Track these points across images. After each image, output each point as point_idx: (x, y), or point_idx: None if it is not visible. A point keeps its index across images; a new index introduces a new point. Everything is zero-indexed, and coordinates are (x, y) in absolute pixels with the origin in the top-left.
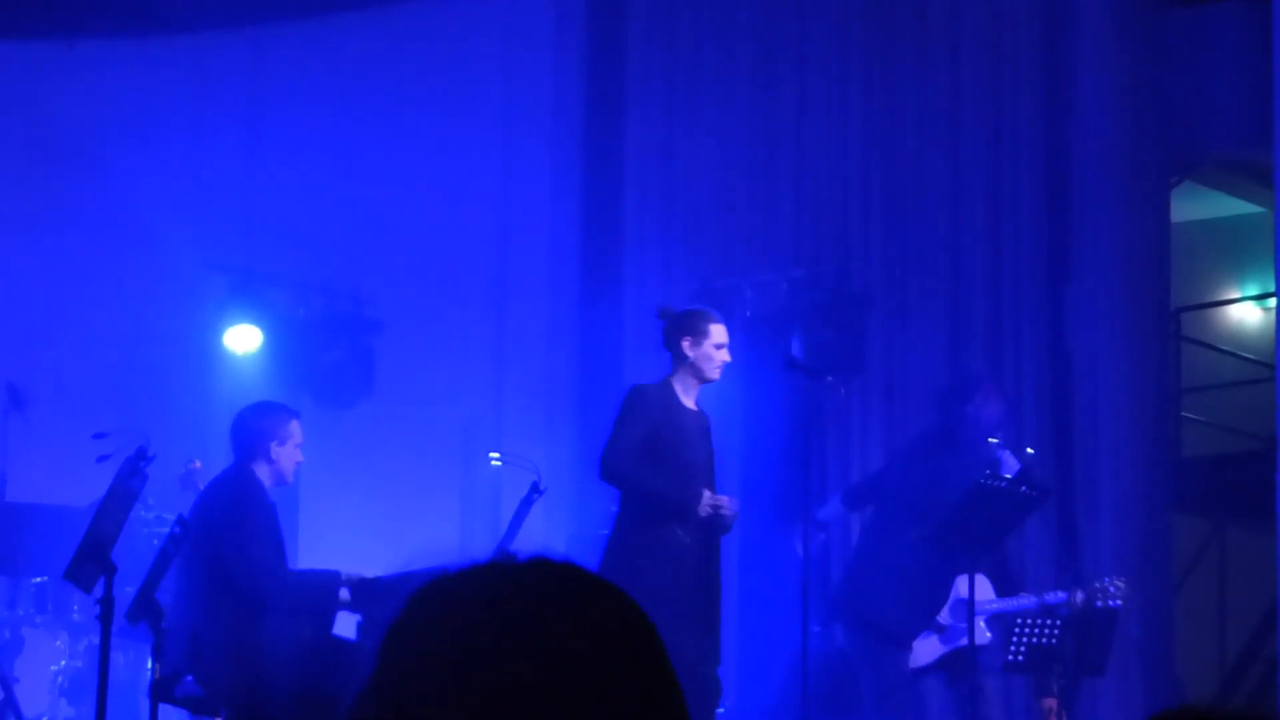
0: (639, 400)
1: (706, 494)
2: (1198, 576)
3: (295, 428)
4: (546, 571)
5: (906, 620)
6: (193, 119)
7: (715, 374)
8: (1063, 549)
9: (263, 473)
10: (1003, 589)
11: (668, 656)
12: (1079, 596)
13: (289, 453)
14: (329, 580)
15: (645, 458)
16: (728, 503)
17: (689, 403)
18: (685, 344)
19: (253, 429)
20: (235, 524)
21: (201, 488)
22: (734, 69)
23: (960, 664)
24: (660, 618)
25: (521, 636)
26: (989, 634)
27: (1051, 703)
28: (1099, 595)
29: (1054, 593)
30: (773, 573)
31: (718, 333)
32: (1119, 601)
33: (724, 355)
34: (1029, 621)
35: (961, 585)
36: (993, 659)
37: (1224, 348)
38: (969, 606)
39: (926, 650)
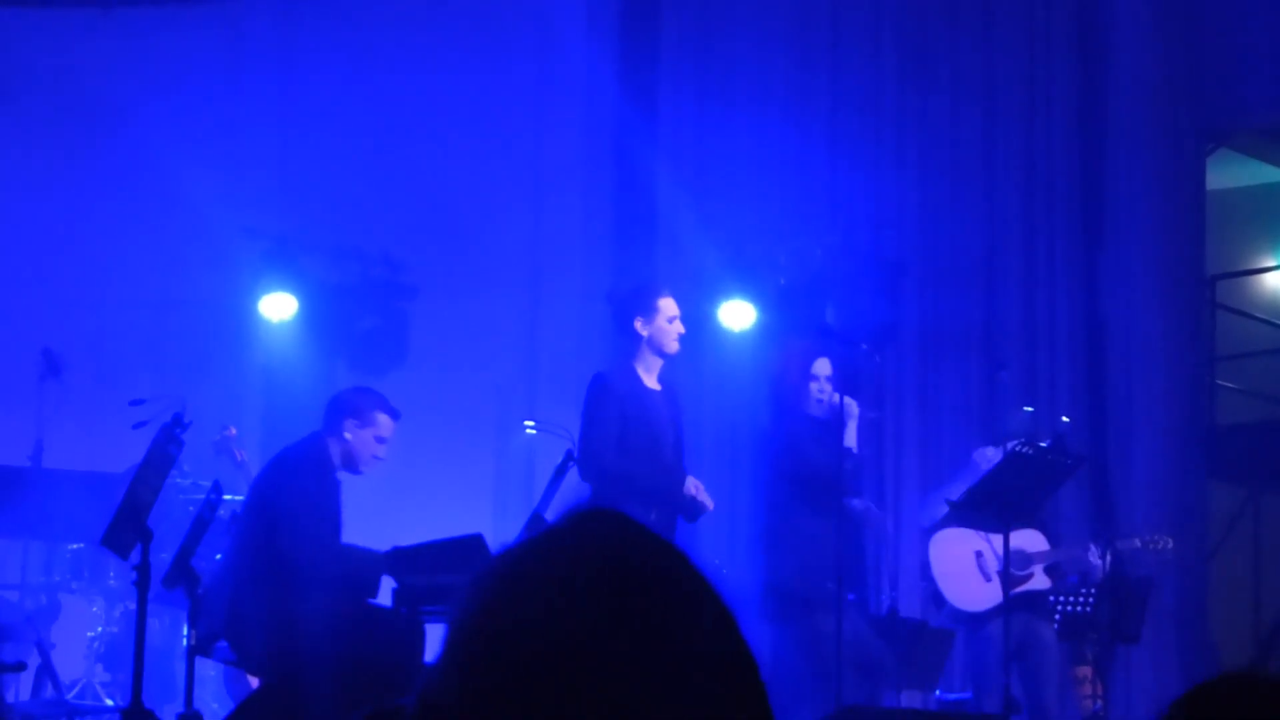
0: (602, 390)
1: (690, 479)
2: (1232, 544)
3: (383, 420)
4: (608, 535)
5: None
6: (227, 83)
7: (673, 347)
8: (1097, 516)
9: (334, 450)
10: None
11: (733, 616)
12: (1134, 544)
13: (364, 439)
14: (373, 562)
15: (619, 446)
16: (702, 489)
17: (651, 382)
18: (637, 323)
19: (337, 404)
20: (296, 495)
21: (237, 454)
22: (769, 33)
23: (1034, 606)
24: None
25: (600, 609)
26: (1049, 581)
27: (1086, 671)
28: (1151, 546)
29: (1097, 546)
30: (805, 539)
31: (667, 306)
32: (1169, 550)
33: (678, 327)
34: (1064, 590)
35: (1015, 536)
36: (1047, 606)
37: (1259, 315)
38: (1004, 575)
39: (985, 596)
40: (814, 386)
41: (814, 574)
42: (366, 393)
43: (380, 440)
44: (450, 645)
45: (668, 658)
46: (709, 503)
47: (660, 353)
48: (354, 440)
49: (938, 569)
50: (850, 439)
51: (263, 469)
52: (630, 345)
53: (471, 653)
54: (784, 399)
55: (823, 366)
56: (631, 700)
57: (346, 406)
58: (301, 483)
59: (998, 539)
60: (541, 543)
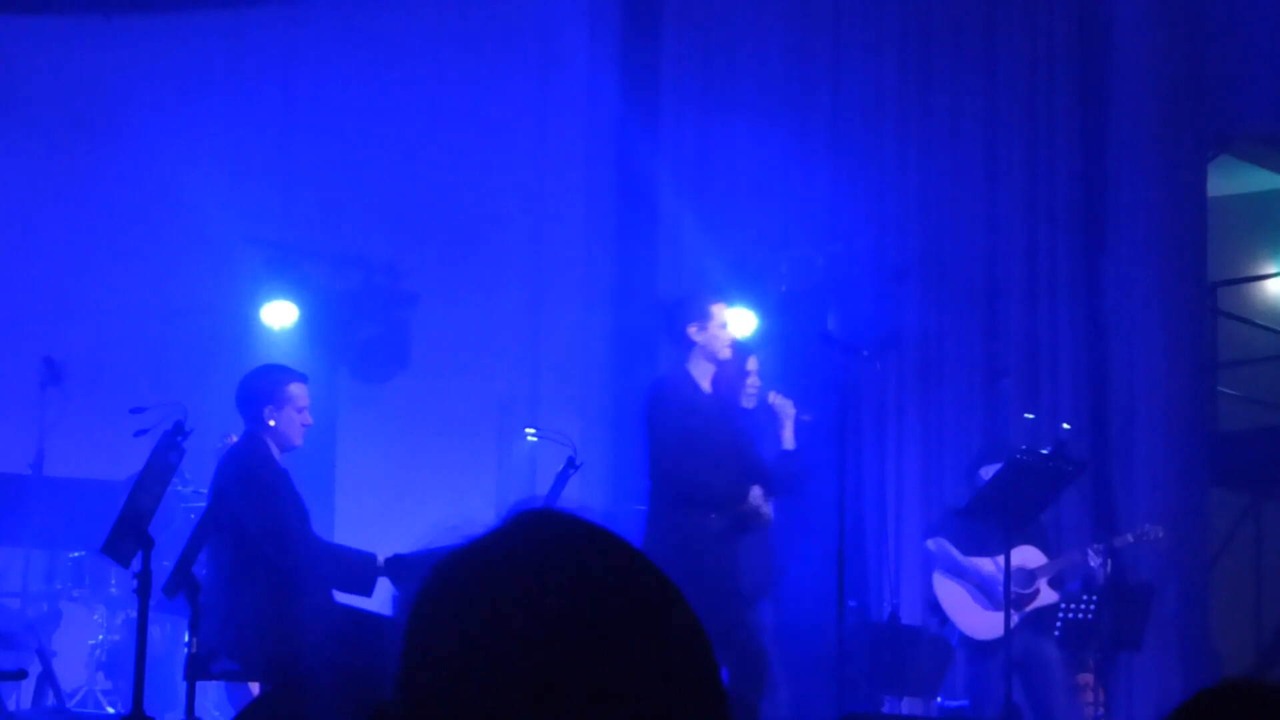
0: (663, 396)
1: (755, 490)
2: (1234, 551)
3: (296, 390)
4: (554, 530)
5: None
6: (229, 92)
7: (727, 353)
8: (1099, 523)
9: (269, 439)
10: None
11: (690, 607)
12: (1126, 539)
13: (288, 416)
14: (365, 561)
15: (684, 453)
16: (764, 501)
17: (706, 386)
18: (691, 330)
19: (247, 395)
20: (249, 495)
21: None
22: (770, 41)
23: (1040, 623)
24: (703, 597)
25: (536, 603)
26: (1055, 595)
27: (1087, 678)
28: (1142, 538)
29: (1096, 547)
30: (806, 547)
31: (720, 312)
32: (1160, 540)
33: (731, 332)
34: (1068, 599)
35: (1017, 554)
36: (1049, 617)
37: (1261, 322)
38: (1005, 582)
39: (996, 623)
40: (749, 382)
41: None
42: (268, 371)
43: (301, 409)
44: (402, 653)
45: (622, 656)
46: (769, 515)
47: (713, 359)
48: (279, 423)
49: (945, 601)
50: (788, 440)
51: (212, 480)
52: (683, 352)
53: (418, 659)
54: (721, 396)
55: (754, 363)
56: (587, 701)
57: (257, 394)
58: (249, 485)
59: (1018, 550)
60: (487, 545)
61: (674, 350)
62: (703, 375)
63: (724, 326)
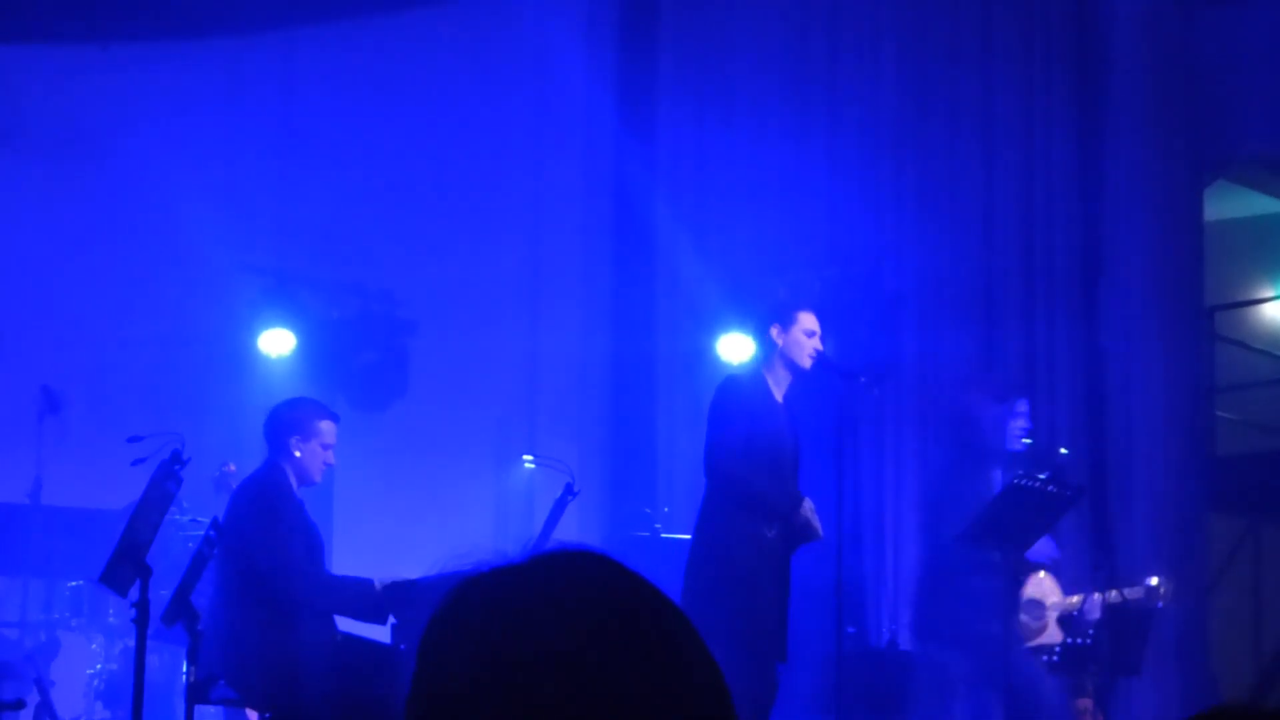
0: (731, 393)
1: (807, 502)
2: (1232, 575)
3: (325, 427)
4: (582, 568)
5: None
6: (226, 121)
7: (807, 362)
8: (1097, 548)
9: (289, 471)
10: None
11: (711, 655)
12: (1137, 593)
13: (313, 451)
14: (363, 589)
15: (744, 454)
16: (815, 515)
17: (779, 396)
18: (773, 331)
19: (276, 424)
20: (263, 524)
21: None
22: (766, 67)
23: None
24: (743, 609)
25: (557, 638)
26: (1059, 635)
27: (1086, 703)
28: (1154, 595)
29: (1113, 593)
30: (804, 571)
31: (806, 319)
32: (1161, 605)
33: (815, 342)
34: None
35: (1039, 583)
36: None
37: (1258, 346)
38: (1006, 609)
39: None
40: (810, 343)
41: None
42: (301, 404)
43: (327, 447)
44: (414, 674)
45: (635, 698)
46: (819, 531)
47: (792, 366)
48: (303, 456)
49: None
50: None
51: (227, 506)
52: (764, 354)
53: (430, 682)
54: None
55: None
56: None
57: (287, 425)
58: (264, 514)
59: (1036, 579)
60: (510, 577)
61: (756, 353)
62: (778, 383)
63: (811, 334)
